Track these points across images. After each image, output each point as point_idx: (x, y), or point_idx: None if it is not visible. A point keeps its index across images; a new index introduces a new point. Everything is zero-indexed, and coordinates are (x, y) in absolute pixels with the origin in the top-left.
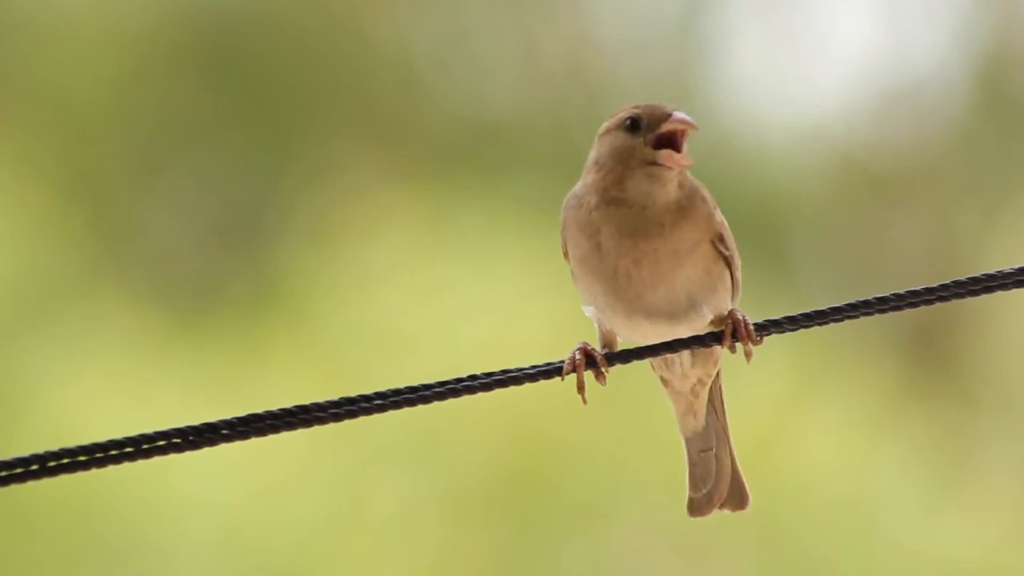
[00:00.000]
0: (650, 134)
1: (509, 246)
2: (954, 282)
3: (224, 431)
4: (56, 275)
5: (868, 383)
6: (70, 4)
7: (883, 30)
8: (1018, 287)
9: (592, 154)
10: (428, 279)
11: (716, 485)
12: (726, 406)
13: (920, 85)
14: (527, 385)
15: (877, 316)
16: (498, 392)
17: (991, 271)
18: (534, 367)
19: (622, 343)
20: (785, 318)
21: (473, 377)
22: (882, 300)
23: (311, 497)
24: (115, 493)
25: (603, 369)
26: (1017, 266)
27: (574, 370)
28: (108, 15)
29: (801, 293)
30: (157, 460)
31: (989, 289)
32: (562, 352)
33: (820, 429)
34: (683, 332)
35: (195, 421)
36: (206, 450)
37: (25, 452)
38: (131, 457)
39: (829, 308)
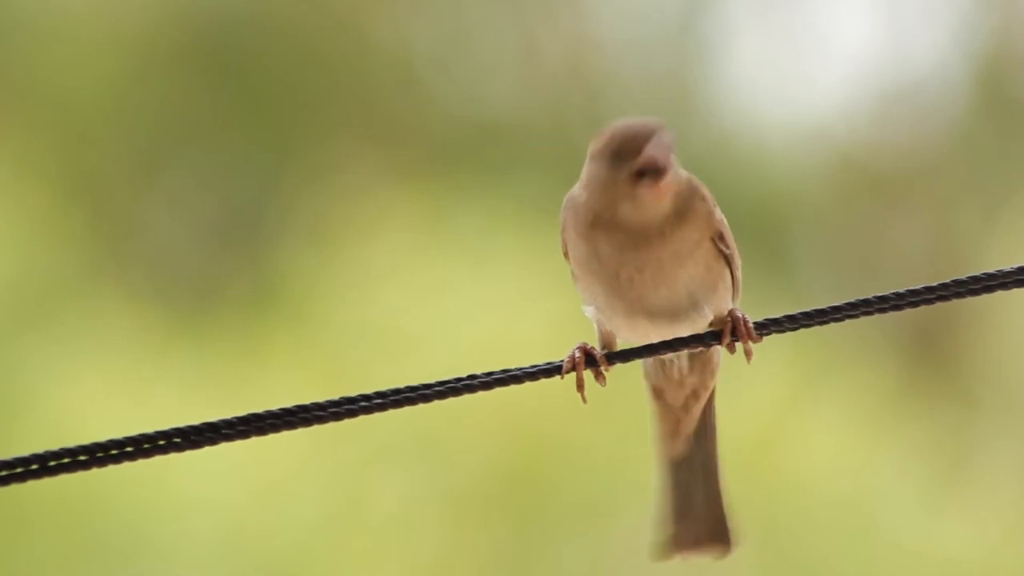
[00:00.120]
0: (629, 166)
1: (509, 246)
2: (954, 282)
3: (224, 431)
4: (56, 275)
5: (868, 383)
6: (70, 4)
7: (883, 30)
8: (1018, 287)
9: (584, 172)
10: (428, 279)
11: (692, 522)
12: (718, 432)
13: (920, 85)
14: (527, 385)
15: (877, 316)
16: (498, 391)
17: (991, 271)
18: (534, 366)
19: (621, 344)
20: (785, 318)
21: (473, 376)
22: (882, 300)
23: (311, 497)
24: (115, 493)
25: (603, 369)
26: (1017, 266)
27: (574, 369)
28: (108, 15)
29: (801, 293)
30: (157, 460)
31: (989, 289)
32: (562, 352)
33: (820, 429)
34: (684, 331)
35: (195, 421)
36: (206, 450)
37: (25, 452)
38: (131, 457)
39: (829, 308)
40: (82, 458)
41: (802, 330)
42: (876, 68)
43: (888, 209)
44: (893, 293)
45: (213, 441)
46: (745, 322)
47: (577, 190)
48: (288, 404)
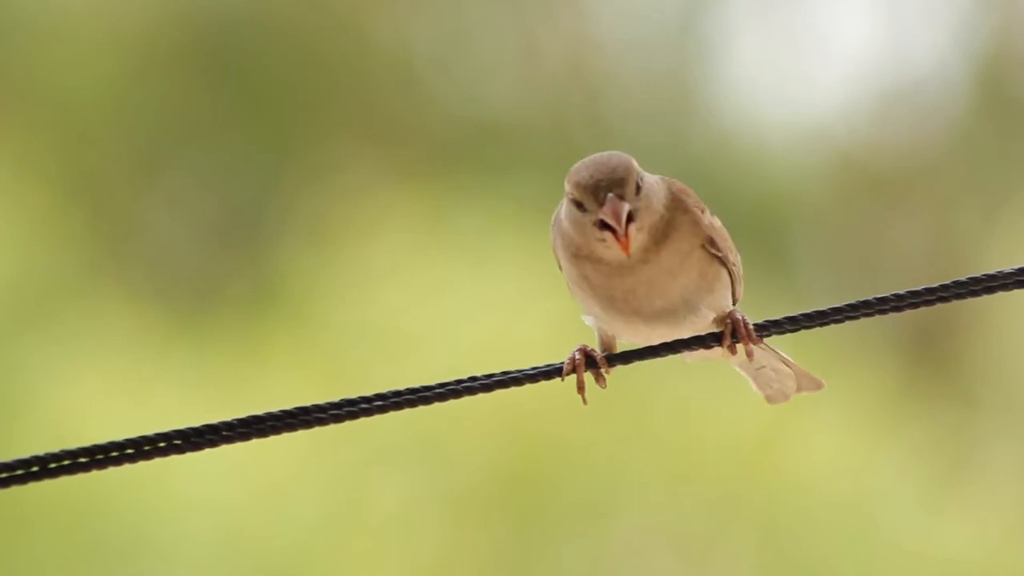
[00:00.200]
0: (592, 216)
1: (509, 246)
2: (954, 282)
3: (224, 432)
4: (56, 275)
5: (868, 383)
6: (70, 4)
7: (883, 30)
8: (1018, 287)
9: (560, 206)
10: (428, 279)
11: (782, 384)
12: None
13: (920, 85)
14: (527, 386)
15: (877, 316)
16: (498, 393)
17: (991, 271)
18: (534, 368)
19: (623, 345)
20: (785, 318)
21: (473, 378)
22: (882, 300)
23: (311, 497)
24: (115, 493)
25: (603, 371)
26: (1017, 266)
27: (574, 371)
28: (108, 15)
29: (801, 293)
30: (157, 460)
31: (989, 289)
32: (562, 353)
33: (820, 429)
34: (684, 333)
35: (195, 422)
36: (206, 450)
37: (25, 452)
38: (131, 458)
39: (829, 308)
40: (82, 460)
41: (802, 330)
42: (876, 68)
43: (888, 209)
44: (893, 294)
45: (213, 443)
46: (745, 324)
47: (561, 214)
48: (288, 404)
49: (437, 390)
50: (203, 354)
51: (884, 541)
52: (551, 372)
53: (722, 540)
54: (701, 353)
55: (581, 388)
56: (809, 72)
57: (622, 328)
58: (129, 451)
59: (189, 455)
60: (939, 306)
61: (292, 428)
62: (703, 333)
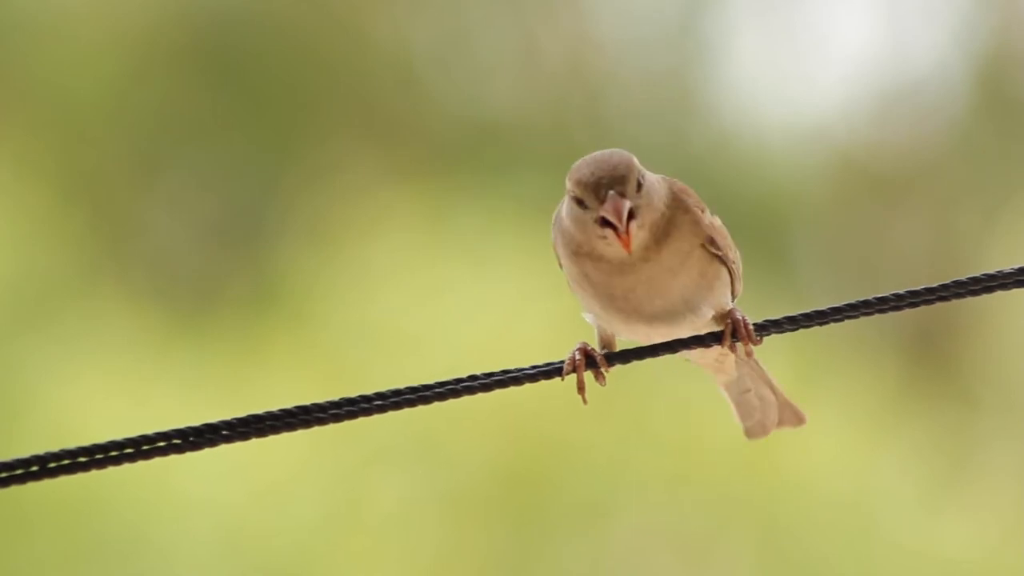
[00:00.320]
0: (593, 214)
1: (509, 246)
2: (954, 282)
3: (224, 432)
4: (56, 275)
5: (868, 383)
6: (70, 4)
7: (883, 30)
8: (1018, 287)
9: (564, 200)
10: (428, 279)
11: (765, 415)
12: (756, 356)
13: (920, 85)
14: (527, 385)
15: (877, 316)
16: (498, 392)
17: (991, 271)
18: (534, 367)
19: (622, 343)
20: (785, 318)
21: (473, 377)
22: (882, 300)
23: (311, 497)
24: (115, 493)
25: (603, 370)
26: (1017, 266)
27: (574, 370)
28: (108, 15)
29: (801, 293)
30: (157, 460)
31: (989, 289)
32: (562, 352)
33: (820, 429)
34: (684, 333)
35: (195, 421)
36: (206, 450)
37: (25, 452)
38: (131, 458)
39: (829, 308)
40: (82, 459)
41: (802, 330)
42: (876, 68)
43: (888, 209)
44: (893, 294)
45: (213, 442)
46: (745, 324)
47: (562, 212)
48: (288, 404)
49: (437, 390)
50: (203, 354)
51: (884, 541)
52: (551, 372)
53: (722, 540)
54: (697, 358)
55: (581, 388)
56: (809, 72)
57: (621, 327)
58: (129, 451)
59: (189, 455)
60: (939, 306)
61: (292, 428)
62: (703, 332)
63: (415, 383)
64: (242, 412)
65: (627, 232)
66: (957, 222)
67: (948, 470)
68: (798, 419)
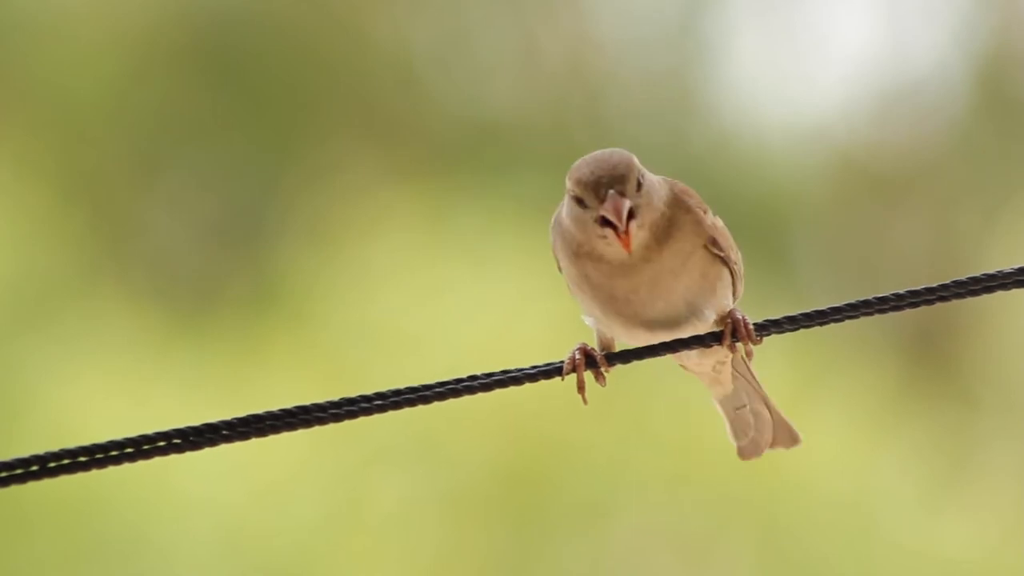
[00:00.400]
0: (593, 213)
1: (509, 246)
2: (954, 282)
3: (224, 431)
4: (56, 275)
5: (868, 383)
6: (70, 4)
7: (883, 30)
8: (1018, 287)
9: (564, 200)
10: (428, 279)
11: (759, 433)
12: (752, 368)
13: (920, 85)
14: (527, 385)
15: (877, 316)
16: (498, 392)
17: (991, 271)
18: (534, 367)
19: (622, 344)
20: (785, 318)
21: (473, 377)
22: (882, 300)
23: (311, 497)
24: (115, 493)
25: (603, 370)
26: (1017, 266)
27: (574, 370)
28: (108, 15)
29: (801, 293)
30: (157, 460)
31: (989, 289)
32: (562, 352)
33: (820, 429)
34: (684, 334)
35: (195, 421)
36: (206, 450)
37: (25, 452)
38: (131, 457)
39: (829, 308)
40: (82, 459)
41: (802, 330)
42: (876, 68)
43: (888, 209)
44: (893, 294)
45: (213, 442)
46: (745, 323)
47: (562, 213)
48: (288, 404)
49: (437, 389)
50: (203, 354)
51: (884, 541)
52: (551, 371)
53: (722, 540)
54: (694, 367)
55: (581, 388)
56: (809, 72)
57: (622, 331)
58: (129, 450)
59: (189, 454)
60: (939, 306)
61: (292, 427)
62: (702, 333)
63: (415, 383)
64: (242, 412)
65: (627, 232)
66: (957, 222)
67: (948, 470)
68: (792, 439)
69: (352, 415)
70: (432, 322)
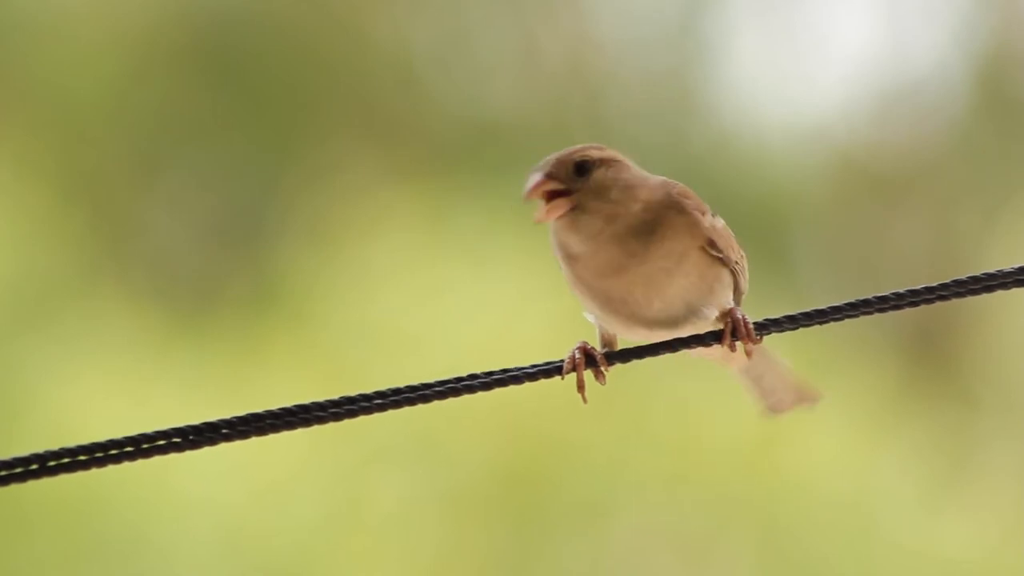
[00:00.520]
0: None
1: (509, 246)
2: (954, 282)
3: (224, 431)
4: (56, 275)
5: (868, 383)
6: (70, 4)
7: (883, 30)
8: (1018, 287)
9: None
10: (428, 279)
11: (780, 395)
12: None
13: (920, 85)
14: (527, 385)
15: (877, 316)
16: (498, 392)
17: (991, 271)
18: (534, 366)
19: (623, 342)
20: (785, 317)
21: (473, 376)
22: (882, 300)
23: (311, 497)
24: (115, 493)
25: (603, 369)
26: (1017, 266)
27: (574, 369)
28: (108, 15)
29: (801, 293)
30: (157, 460)
31: (989, 289)
32: (562, 352)
33: (820, 429)
34: (684, 334)
35: (195, 421)
36: (206, 450)
37: (25, 452)
38: (131, 457)
39: (829, 308)
40: (82, 458)
41: (802, 330)
42: (876, 68)
43: (888, 209)
44: (893, 293)
45: (213, 441)
46: (745, 323)
47: None
48: (288, 404)
49: (437, 388)
50: (203, 354)
51: (884, 541)
52: (551, 370)
53: (722, 540)
54: (701, 351)
55: (581, 387)
56: (809, 72)
57: (621, 329)
58: (129, 450)
59: (189, 454)
60: (939, 306)
61: (292, 426)
62: (702, 332)
63: (415, 383)
64: (242, 412)
65: (529, 196)
66: (957, 222)
67: (948, 470)
68: (813, 397)
69: (352, 414)
70: (432, 322)
